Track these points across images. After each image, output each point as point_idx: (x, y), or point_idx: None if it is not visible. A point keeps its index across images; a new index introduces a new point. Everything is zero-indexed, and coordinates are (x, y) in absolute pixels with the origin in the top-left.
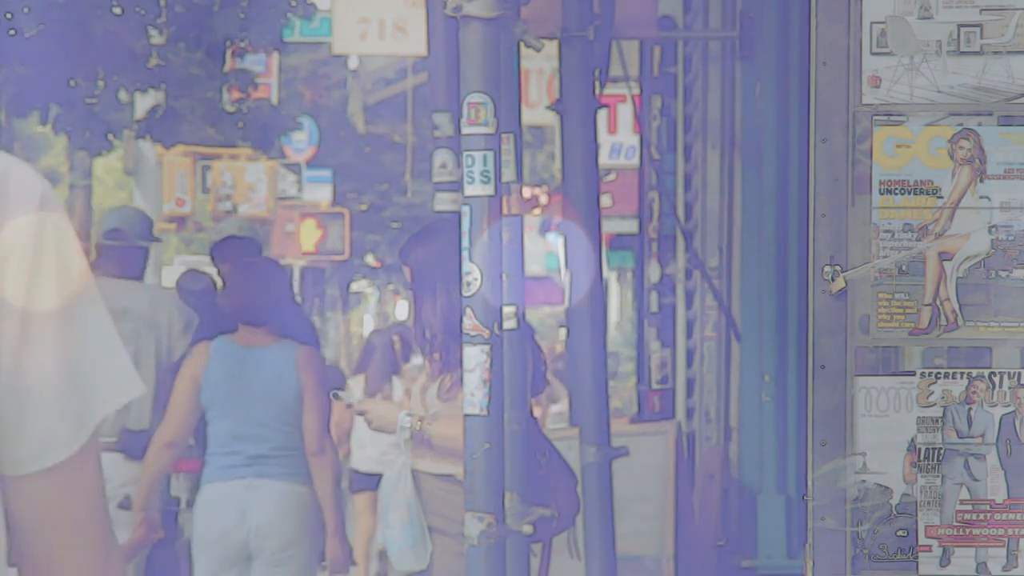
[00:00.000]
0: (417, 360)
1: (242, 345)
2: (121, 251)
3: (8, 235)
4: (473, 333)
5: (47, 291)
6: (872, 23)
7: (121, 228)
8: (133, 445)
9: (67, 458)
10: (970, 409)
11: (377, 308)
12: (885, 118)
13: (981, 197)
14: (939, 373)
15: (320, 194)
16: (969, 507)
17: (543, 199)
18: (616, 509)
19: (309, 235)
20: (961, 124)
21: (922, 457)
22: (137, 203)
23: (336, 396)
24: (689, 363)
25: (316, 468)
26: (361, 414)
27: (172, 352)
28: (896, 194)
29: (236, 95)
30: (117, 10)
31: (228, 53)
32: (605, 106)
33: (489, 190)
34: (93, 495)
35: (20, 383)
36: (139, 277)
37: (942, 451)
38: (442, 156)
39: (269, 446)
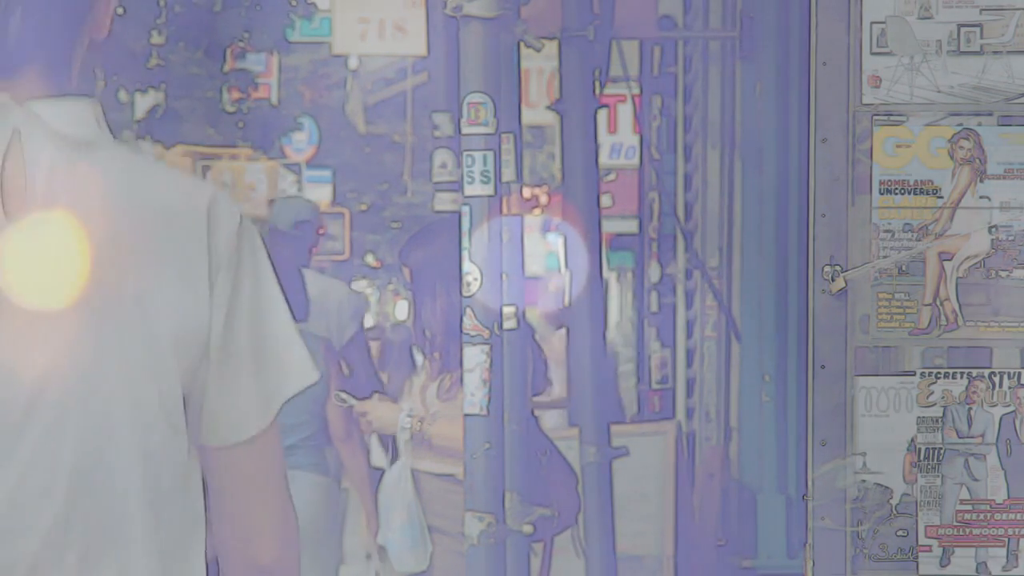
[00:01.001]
0: (417, 360)
1: None
2: (298, 241)
3: (219, 248)
4: (473, 333)
5: (244, 291)
6: (872, 23)
7: (310, 220)
8: None
9: (258, 433)
10: (970, 409)
11: (377, 308)
12: (885, 118)
13: (981, 197)
14: (939, 373)
15: (320, 194)
16: (969, 507)
17: (543, 199)
18: (616, 509)
19: None
20: (961, 124)
21: (922, 457)
22: None
23: (339, 399)
24: (689, 363)
25: (346, 453)
26: (362, 415)
27: (341, 338)
28: (896, 194)
29: (236, 95)
30: (119, 10)
31: (229, 53)
32: (605, 106)
33: (489, 190)
34: (277, 466)
35: (223, 367)
36: (307, 265)
37: (942, 451)
38: (442, 156)
39: (298, 436)
